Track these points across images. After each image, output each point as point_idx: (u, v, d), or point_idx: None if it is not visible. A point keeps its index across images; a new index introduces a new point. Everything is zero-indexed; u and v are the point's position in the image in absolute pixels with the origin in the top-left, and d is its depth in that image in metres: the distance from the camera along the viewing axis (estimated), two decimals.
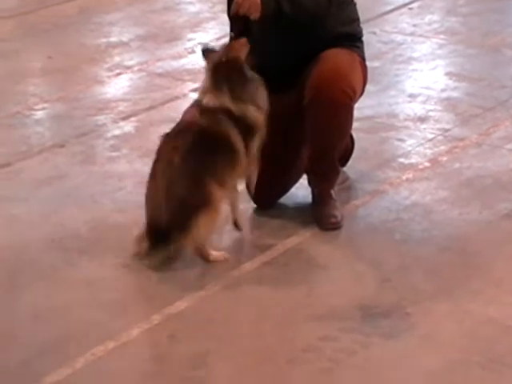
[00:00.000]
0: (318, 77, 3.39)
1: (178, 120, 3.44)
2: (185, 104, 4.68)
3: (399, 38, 5.55)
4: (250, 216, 3.67)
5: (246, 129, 3.32)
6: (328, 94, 3.35)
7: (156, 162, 3.34)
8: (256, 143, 3.38)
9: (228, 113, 3.29)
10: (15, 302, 3.18)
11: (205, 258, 3.36)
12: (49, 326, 3.04)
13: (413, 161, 4.07)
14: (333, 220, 3.54)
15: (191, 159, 3.24)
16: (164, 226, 3.24)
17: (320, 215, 3.57)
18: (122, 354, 2.90)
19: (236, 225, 3.52)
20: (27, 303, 3.17)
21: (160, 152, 3.34)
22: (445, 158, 4.08)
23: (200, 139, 3.27)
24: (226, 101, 3.29)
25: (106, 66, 5.32)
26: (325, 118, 3.40)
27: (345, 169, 3.96)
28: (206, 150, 3.27)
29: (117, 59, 5.41)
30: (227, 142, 3.29)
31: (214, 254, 3.36)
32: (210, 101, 3.31)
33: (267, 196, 3.69)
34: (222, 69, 3.31)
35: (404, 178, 3.93)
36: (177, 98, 4.83)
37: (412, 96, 4.74)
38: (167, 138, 3.34)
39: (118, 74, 5.19)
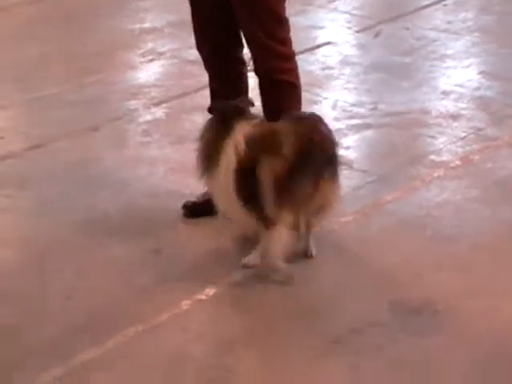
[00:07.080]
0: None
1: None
2: None
3: (433, 34, 5.52)
4: None
5: None
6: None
7: None
8: None
9: None
10: (47, 283, 3.21)
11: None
12: (80, 307, 3.07)
13: (444, 158, 4.06)
14: None
15: None
16: None
17: None
18: (152, 337, 2.93)
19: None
20: (58, 284, 3.20)
21: None
22: (476, 157, 4.06)
23: None
24: None
25: (140, 51, 5.33)
26: None
27: (376, 163, 3.96)
28: None
29: (150, 45, 5.42)
30: None
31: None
32: None
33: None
34: None
35: (435, 175, 3.92)
36: (208, 86, 4.83)
37: (445, 93, 4.72)
38: None
39: (151, 60, 5.20)
